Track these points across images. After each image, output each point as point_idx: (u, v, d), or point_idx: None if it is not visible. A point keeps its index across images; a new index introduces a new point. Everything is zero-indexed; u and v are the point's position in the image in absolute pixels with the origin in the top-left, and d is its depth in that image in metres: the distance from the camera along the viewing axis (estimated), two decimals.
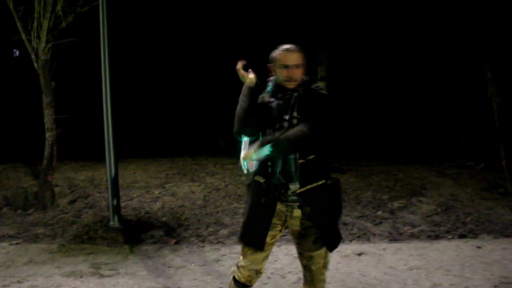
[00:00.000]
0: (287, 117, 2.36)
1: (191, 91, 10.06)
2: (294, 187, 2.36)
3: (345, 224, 5.07)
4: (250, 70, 2.44)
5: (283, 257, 4.10)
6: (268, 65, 2.45)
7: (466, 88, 9.18)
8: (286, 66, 2.34)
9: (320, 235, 2.42)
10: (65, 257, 4.19)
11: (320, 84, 2.61)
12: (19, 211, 5.87)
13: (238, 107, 2.41)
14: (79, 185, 6.95)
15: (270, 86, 2.47)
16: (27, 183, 7.14)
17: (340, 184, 2.52)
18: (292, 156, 2.34)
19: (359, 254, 4.20)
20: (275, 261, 4.00)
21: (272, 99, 2.42)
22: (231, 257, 4.10)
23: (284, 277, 3.66)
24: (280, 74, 2.38)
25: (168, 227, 4.99)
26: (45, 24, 5.88)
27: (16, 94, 10.17)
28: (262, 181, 2.41)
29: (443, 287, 3.48)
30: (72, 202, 6.15)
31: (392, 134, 9.68)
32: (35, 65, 6.06)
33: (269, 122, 2.38)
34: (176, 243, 4.57)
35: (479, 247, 4.36)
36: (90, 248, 4.44)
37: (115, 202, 4.96)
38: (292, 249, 3.49)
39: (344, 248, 4.34)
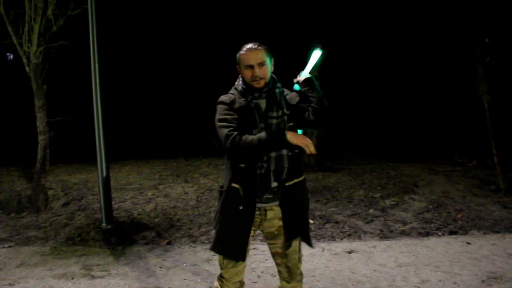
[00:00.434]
0: (275, 114, 2.31)
1: (185, 92, 10.11)
2: (273, 184, 2.33)
3: (336, 222, 5.10)
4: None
5: None
6: (236, 66, 2.39)
7: (457, 86, 9.27)
8: (250, 66, 2.29)
9: (300, 229, 2.45)
10: (57, 259, 4.21)
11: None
12: (13, 214, 5.88)
13: (259, 143, 2.20)
14: (72, 187, 6.97)
15: (241, 86, 2.39)
16: (21, 186, 7.15)
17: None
18: (285, 152, 2.32)
19: (350, 252, 4.23)
20: (266, 260, 4.03)
21: (249, 99, 2.33)
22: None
23: (274, 276, 3.68)
24: (246, 75, 2.32)
25: (160, 228, 5.01)
26: (36, 28, 5.89)
27: (10, 97, 10.17)
28: (239, 187, 2.33)
29: (432, 283, 3.51)
30: (66, 204, 6.16)
31: (385, 133, 9.74)
32: (27, 68, 6.06)
33: (251, 123, 2.30)
34: (168, 243, 4.59)
35: (468, 243, 4.39)
36: (82, 249, 4.46)
37: (106, 203, 4.99)
38: None
39: (335, 246, 4.38)
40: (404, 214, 5.39)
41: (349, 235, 4.74)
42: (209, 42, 9.48)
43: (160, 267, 3.96)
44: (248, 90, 2.34)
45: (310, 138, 2.29)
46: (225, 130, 2.24)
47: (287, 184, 2.37)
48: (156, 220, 5.31)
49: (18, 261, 4.16)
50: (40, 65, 6.08)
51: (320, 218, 5.24)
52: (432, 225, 4.98)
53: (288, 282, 2.60)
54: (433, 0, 8.04)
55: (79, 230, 4.96)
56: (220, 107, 2.35)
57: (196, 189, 6.62)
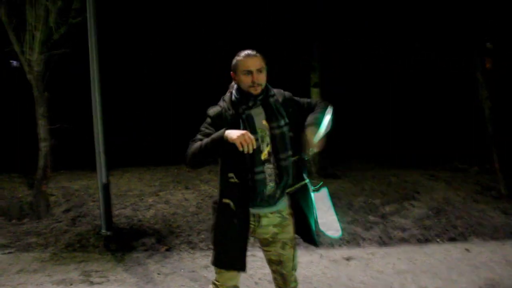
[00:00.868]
0: (276, 124, 2.32)
1: (185, 97, 10.15)
2: (270, 189, 2.33)
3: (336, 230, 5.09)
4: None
5: None
6: (231, 73, 2.39)
7: (458, 92, 9.27)
8: (249, 72, 2.30)
9: (303, 233, 2.47)
10: (57, 265, 4.24)
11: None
12: (14, 220, 5.91)
13: (201, 148, 2.27)
14: (74, 194, 7.00)
15: (233, 96, 2.39)
16: (22, 193, 7.18)
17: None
18: (290, 159, 2.33)
19: (348, 259, 4.24)
20: (264, 267, 4.02)
21: (240, 110, 2.33)
22: None
23: (271, 283, 3.66)
24: (244, 81, 2.31)
25: (160, 235, 5.03)
26: (38, 36, 5.95)
27: (12, 104, 10.24)
28: (230, 202, 2.34)
29: None
30: (67, 211, 6.19)
31: (385, 139, 9.74)
32: (28, 76, 6.12)
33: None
34: (167, 250, 4.61)
35: (467, 250, 4.39)
36: (81, 256, 4.48)
37: (106, 210, 5.01)
38: None
39: (333, 253, 4.39)
40: (403, 221, 5.38)
41: (348, 242, 4.74)
42: (208, 43, 9.54)
43: (158, 274, 3.98)
44: (243, 98, 2.34)
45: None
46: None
47: (288, 190, 2.40)
48: (155, 226, 5.33)
49: (18, 267, 4.19)
50: (41, 73, 6.13)
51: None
52: (432, 231, 4.98)
53: None
54: (433, 4, 8.06)
55: (79, 237, 4.99)
56: (206, 119, 2.40)
57: (196, 196, 6.64)
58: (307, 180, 2.46)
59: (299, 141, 2.37)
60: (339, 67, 9.62)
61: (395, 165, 8.56)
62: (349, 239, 4.79)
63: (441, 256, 4.24)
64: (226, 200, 2.37)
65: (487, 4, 6.62)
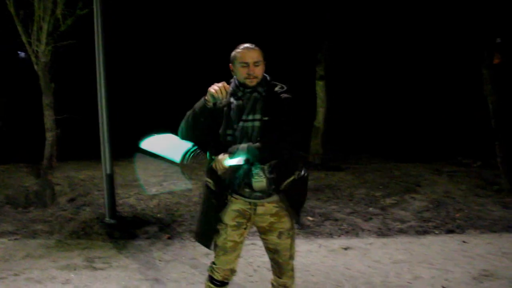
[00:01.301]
0: (248, 117, 2.38)
1: (190, 88, 10.23)
2: (259, 185, 2.37)
3: (335, 220, 5.18)
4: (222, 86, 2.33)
5: None
6: (229, 64, 2.47)
7: (464, 87, 9.27)
8: (246, 64, 2.37)
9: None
10: (61, 251, 4.35)
11: (281, 84, 2.54)
12: (20, 208, 6.03)
13: (187, 118, 2.46)
14: (79, 183, 7.11)
15: (231, 87, 2.45)
16: (29, 182, 7.31)
17: (307, 175, 2.57)
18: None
19: (346, 249, 4.31)
20: (263, 255, 4.09)
21: (231, 99, 2.42)
22: None
23: (270, 270, 3.76)
24: (240, 72, 2.40)
25: (163, 223, 5.13)
26: (45, 27, 6.03)
27: (19, 95, 10.37)
28: (210, 181, 2.47)
29: (424, 279, 3.59)
30: (72, 200, 6.30)
31: (390, 132, 9.77)
32: (36, 67, 6.21)
33: (227, 122, 2.38)
34: (169, 238, 4.72)
35: (464, 242, 4.45)
36: (85, 243, 4.60)
37: (110, 199, 5.12)
38: None
39: (332, 243, 4.46)
40: (403, 213, 5.44)
41: (347, 232, 4.82)
42: (212, 41, 9.61)
43: (160, 260, 4.08)
44: (238, 89, 2.43)
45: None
46: None
47: (281, 188, 2.44)
48: (158, 215, 5.44)
49: (23, 253, 4.31)
50: (48, 64, 6.22)
51: (320, 215, 5.31)
52: (430, 223, 5.04)
53: (279, 277, 2.69)
54: (440, 1, 8.06)
55: (83, 224, 5.10)
56: None
57: (199, 186, 6.72)
58: (292, 177, 2.47)
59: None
60: (345, 61, 9.63)
61: (399, 159, 8.60)
62: (348, 230, 4.86)
63: (438, 247, 4.30)
64: (208, 180, 2.50)
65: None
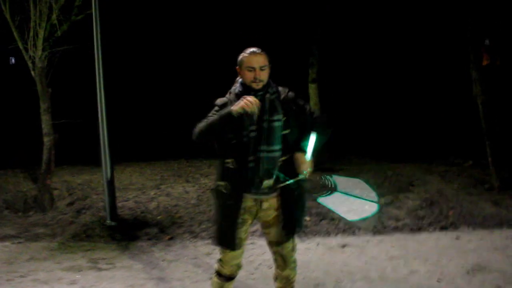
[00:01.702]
0: (274, 117, 2.49)
1: (185, 94, 10.32)
2: (268, 182, 2.53)
3: (332, 219, 5.29)
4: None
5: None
6: (236, 67, 2.59)
7: (455, 88, 9.45)
8: (252, 68, 2.49)
9: (289, 223, 2.64)
10: (65, 253, 4.43)
11: (283, 88, 2.69)
12: (19, 213, 6.09)
13: (208, 124, 2.48)
14: (77, 188, 7.17)
15: (238, 89, 2.58)
16: (26, 187, 7.35)
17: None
18: (277, 155, 2.51)
19: (343, 246, 4.43)
20: (263, 253, 4.23)
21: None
22: None
23: (271, 268, 3.84)
24: (247, 76, 2.52)
25: (163, 225, 5.22)
26: (41, 33, 6.09)
27: (14, 100, 10.39)
28: (224, 184, 2.55)
29: (419, 273, 3.71)
30: (71, 204, 6.36)
31: (382, 133, 9.92)
32: (32, 72, 6.27)
33: (241, 124, 2.46)
34: (170, 239, 4.81)
35: (457, 238, 4.59)
36: (88, 245, 4.68)
37: (111, 201, 5.20)
38: None
39: (329, 241, 4.59)
40: (397, 211, 5.57)
41: (343, 230, 4.93)
42: (211, 42, 9.71)
43: (163, 260, 4.18)
44: (245, 91, 2.53)
45: None
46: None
47: (282, 185, 2.55)
48: (158, 217, 5.52)
49: (27, 255, 4.39)
50: (45, 69, 6.28)
51: (317, 215, 5.42)
52: (424, 221, 5.17)
53: (283, 270, 2.79)
54: (430, 2, 8.22)
55: (84, 227, 5.17)
56: (214, 108, 2.61)
57: (197, 189, 6.82)
58: (300, 177, 2.59)
59: (293, 139, 2.56)
60: (337, 63, 9.78)
61: (392, 160, 8.74)
62: (345, 228, 4.98)
63: (432, 243, 4.44)
64: (222, 183, 2.58)
65: (483, 2, 6.77)
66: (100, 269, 4.00)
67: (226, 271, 2.68)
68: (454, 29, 7.59)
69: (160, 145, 10.08)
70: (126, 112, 9.72)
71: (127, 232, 5.02)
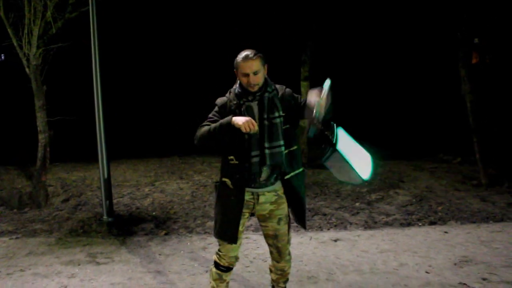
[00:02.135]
0: (275, 114, 2.60)
1: (178, 92, 10.39)
2: (265, 175, 2.65)
3: (324, 214, 5.42)
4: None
5: (264, 244, 4.39)
6: (234, 70, 2.68)
7: (444, 86, 9.62)
8: (246, 75, 2.58)
9: (296, 215, 2.77)
10: (63, 248, 4.50)
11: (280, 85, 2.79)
12: (15, 210, 6.13)
13: (209, 131, 2.56)
14: (71, 184, 7.23)
15: (237, 89, 2.68)
16: (21, 183, 7.39)
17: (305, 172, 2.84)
18: (282, 149, 2.62)
19: (335, 240, 4.55)
20: (258, 247, 4.34)
21: (241, 101, 2.63)
22: (217, 245, 4.34)
23: (265, 261, 4.00)
24: (242, 80, 2.62)
25: (158, 221, 5.31)
26: (36, 30, 6.13)
27: (6, 98, 10.38)
28: (228, 181, 2.65)
29: (409, 266, 3.84)
30: (66, 200, 6.43)
31: (372, 131, 10.06)
32: (27, 70, 6.30)
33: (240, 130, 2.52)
34: (165, 234, 4.90)
35: (446, 232, 4.73)
36: (85, 240, 4.75)
37: (107, 197, 5.27)
38: None
39: (322, 236, 4.70)
40: (388, 207, 5.72)
41: (335, 225, 5.06)
42: (206, 40, 9.77)
43: (160, 254, 4.27)
44: (244, 93, 2.65)
45: (301, 136, 2.58)
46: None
47: (286, 177, 2.68)
48: (153, 213, 5.61)
49: (26, 250, 4.45)
50: (40, 66, 6.32)
51: (309, 211, 5.55)
52: (414, 216, 5.32)
53: (278, 262, 2.90)
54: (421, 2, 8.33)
55: (81, 223, 5.24)
56: (214, 108, 2.71)
57: (190, 185, 6.91)
58: (300, 169, 2.74)
59: (293, 133, 2.68)
60: (329, 61, 9.89)
61: (382, 157, 8.89)
62: (337, 223, 5.11)
63: (421, 237, 4.58)
64: (225, 179, 2.69)
65: (475, 1, 6.90)
66: (98, 263, 4.08)
67: (225, 262, 2.78)
68: (443, 28, 7.71)
69: (153, 142, 10.14)
70: (120, 109, 9.76)
71: (123, 227, 5.10)
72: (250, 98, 2.65)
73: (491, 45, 8.29)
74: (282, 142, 2.62)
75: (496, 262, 3.85)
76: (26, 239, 4.79)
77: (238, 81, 2.71)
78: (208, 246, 4.42)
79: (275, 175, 2.67)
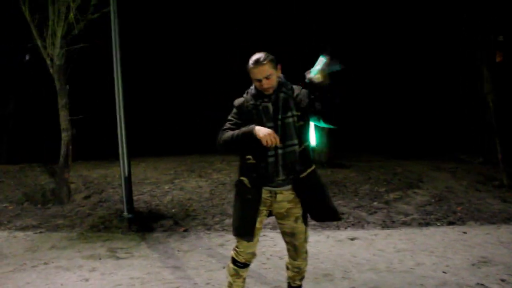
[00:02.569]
0: (287, 114, 2.64)
1: (198, 90, 10.49)
2: (281, 173, 2.66)
3: (342, 214, 5.42)
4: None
5: (281, 242, 4.43)
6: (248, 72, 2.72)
7: (463, 86, 9.48)
8: (258, 80, 2.64)
9: (314, 211, 2.78)
10: (84, 243, 4.63)
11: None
12: (39, 205, 6.31)
13: (232, 138, 2.63)
14: (93, 182, 7.38)
15: (253, 90, 2.73)
16: (44, 180, 7.58)
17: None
18: (296, 148, 2.66)
19: (352, 239, 4.56)
20: (275, 245, 4.39)
21: (258, 102, 2.68)
22: (234, 242, 4.41)
23: (282, 258, 4.03)
24: (256, 85, 2.68)
25: (177, 217, 5.40)
26: (59, 31, 6.30)
27: (28, 98, 10.64)
28: (245, 180, 2.71)
29: (425, 265, 3.83)
30: (87, 197, 6.58)
31: (394, 131, 10.00)
32: (51, 69, 6.48)
33: (258, 123, 2.62)
34: (184, 231, 4.99)
35: (464, 233, 4.69)
36: (106, 235, 4.88)
37: (128, 194, 5.39)
38: None
39: (339, 234, 4.72)
40: (406, 207, 5.69)
41: (353, 224, 5.07)
42: (226, 40, 9.86)
43: (178, 250, 4.35)
44: (259, 94, 2.71)
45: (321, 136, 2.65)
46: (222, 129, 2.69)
47: (301, 176, 2.71)
48: (173, 210, 5.70)
49: (49, 244, 4.60)
50: (63, 66, 6.48)
51: None
52: (432, 216, 5.28)
53: (295, 259, 2.94)
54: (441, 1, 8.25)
55: (102, 219, 5.38)
56: (232, 109, 2.77)
57: (209, 184, 6.99)
58: (312, 167, 2.77)
59: (306, 130, 2.72)
60: (345, 60, 9.83)
61: (402, 157, 8.83)
62: (354, 222, 5.11)
63: (439, 237, 4.55)
64: (243, 178, 2.74)
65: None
66: (118, 258, 4.19)
67: (242, 258, 2.83)
68: (464, 26, 7.62)
69: (173, 141, 10.27)
70: (141, 108, 9.92)
71: (143, 223, 5.21)
72: (266, 100, 2.69)
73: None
74: (296, 141, 2.65)
75: None
76: (49, 234, 4.95)
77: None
78: (226, 243, 4.48)
79: (292, 175, 2.70)
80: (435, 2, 8.15)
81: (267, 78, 2.63)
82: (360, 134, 9.99)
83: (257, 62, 2.62)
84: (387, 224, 5.08)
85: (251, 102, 2.70)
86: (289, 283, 3.05)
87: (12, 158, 9.71)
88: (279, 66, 2.70)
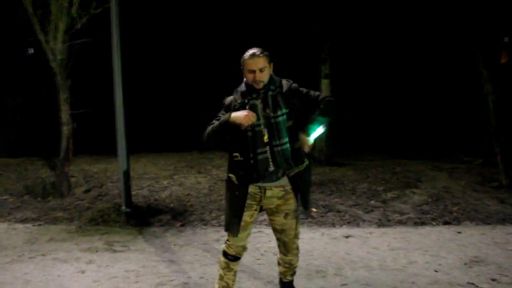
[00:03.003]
0: (277, 113, 2.67)
1: (198, 87, 10.53)
2: (272, 171, 2.71)
3: (338, 211, 5.47)
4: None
5: None
6: (241, 67, 2.76)
7: (463, 86, 9.49)
8: (252, 71, 2.67)
9: (302, 204, 2.84)
10: (82, 236, 4.70)
11: (286, 79, 2.88)
12: (39, 198, 6.37)
13: (212, 129, 2.71)
14: (93, 176, 7.45)
15: (242, 88, 2.78)
16: (45, 174, 7.65)
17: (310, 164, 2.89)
18: (287, 146, 2.69)
19: (347, 237, 4.60)
20: (269, 241, 4.42)
21: (246, 100, 2.73)
22: None
23: (276, 254, 4.01)
24: (248, 77, 2.71)
25: (175, 212, 5.46)
26: (61, 26, 6.34)
27: (28, 92, 10.70)
28: (233, 176, 2.76)
29: (418, 264, 3.87)
30: (87, 191, 6.64)
31: (392, 130, 10.01)
32: (52, 64, 6.52)
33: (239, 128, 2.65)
34: (181, 225, 5.04)
35: (459, 232, 4.72)
36: (104, 229, 4.95)
37: (126, 188, 5.44)
38: None
39: (334, 232, 4.76)
40: (403, 206, 5.72)
41: (348, 222, 5.11)
42: (225, 37, 9.89)
43: (174, 245, 4.41)
44: (248, 91, 2.74)
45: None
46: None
47: (291, 174, 2.75)
48: (171, 205, 5.76)
49: (48, 237, 4.67)
50: (64, 61, 6.52)
51: (323, 207, 5.60)
52: (428, 216, 5.31)
53: (285, 255, 2.98)
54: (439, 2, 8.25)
55: (100, 213, 5.43)
56: (222, 107, 2.83)
57: (208, 180, 7.04)
58: (306, 162, 2.81)
59: (297, 128, 2.73)
60: (348, 59, 9.87)
61: (401, 156, 8.85)
62: (350, 220, 5.15)
63: (434, 237, 4.58)
64: (231, 175, 2.80)
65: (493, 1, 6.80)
66: (115, 251, 4.24)
67: (232, 251, 2.87)
68: (463, 27, 7.62)
69: (173, 137, 10.31)
70: (140, 104, 9.95)
71: (141, 218, 5.27)
72: (254, 96, 2.73)
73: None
74: (286, 139, 2.69)
75: (508, 263, 3.84)
76: (48, 226, 5.01)
77: (244, 80, 2.80)
78: (222, 238, 4.53)
79: (281, 171, 2.74)
80: (435, 2, 8.14)
81: (261, 70, 2.67)
82: (360, 134, 10.01)
83: (254, 53, 2.68)
84: (383, 222, 5.11)
85: (239, 101, 2.74)
86: (280, 279, 3.11)
87: (15, 152, 9.78)
88: (272, 65, 2.75)
